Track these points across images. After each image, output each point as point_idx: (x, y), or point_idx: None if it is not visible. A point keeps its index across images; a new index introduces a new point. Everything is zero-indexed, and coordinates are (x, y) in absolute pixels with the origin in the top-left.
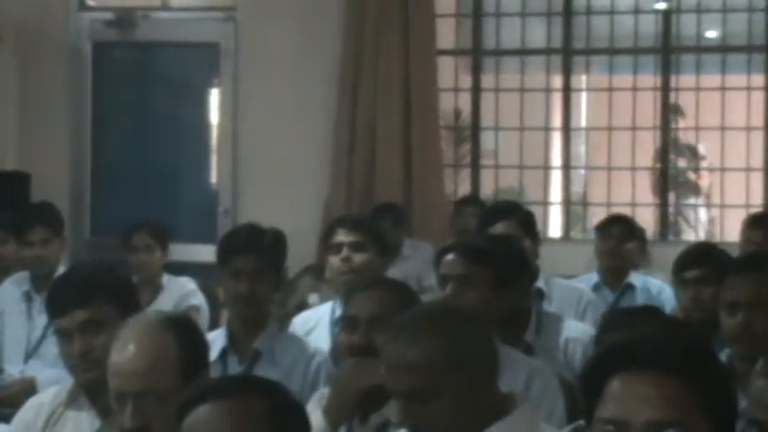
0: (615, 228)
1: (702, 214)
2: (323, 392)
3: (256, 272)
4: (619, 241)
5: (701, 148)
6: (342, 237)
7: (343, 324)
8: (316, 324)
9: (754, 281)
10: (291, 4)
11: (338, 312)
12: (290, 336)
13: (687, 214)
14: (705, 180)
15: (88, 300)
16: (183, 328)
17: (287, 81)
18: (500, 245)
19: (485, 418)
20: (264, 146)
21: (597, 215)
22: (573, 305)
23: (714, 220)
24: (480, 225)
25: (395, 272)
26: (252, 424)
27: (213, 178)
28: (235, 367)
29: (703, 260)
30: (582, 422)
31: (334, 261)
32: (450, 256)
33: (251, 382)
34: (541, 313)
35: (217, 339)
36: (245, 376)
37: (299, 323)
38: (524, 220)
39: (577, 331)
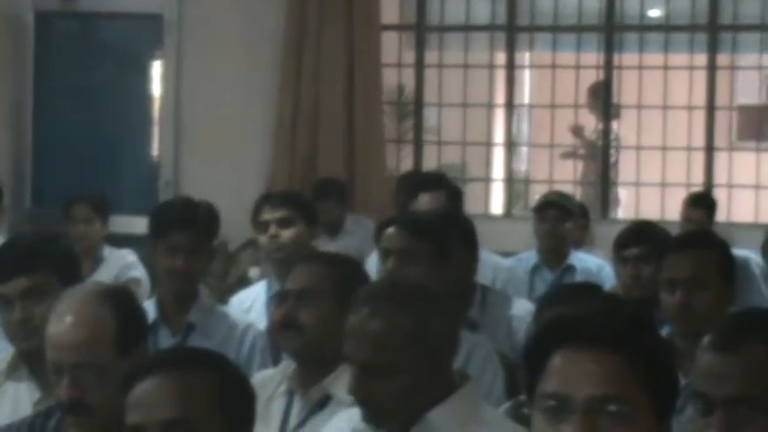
0: (552, 209)
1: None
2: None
3: (192, 248)
4: (556, 222)
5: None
6: (268, 214)
7: (276, 300)
8: (252, 303)
9: (693, 259)
10: None
11: (274, 290)
12: (223, 309)
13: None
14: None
15: (32, 268)
16: (121, 301)
17: (230, 53)
18: (443, 219)
19: (435, 398)
20: (207, 118)
21: (539, 192)
22: (488, 280)
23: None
24: (407, 196)
25: (337, 247)
26: (200, 396)
27: (155, 150)
28: (167, 339)
29: (643, 238)
30: (522, 397)
31: (263, 240)
32: (391, 230)
33: (198, 354)
34: (487, 290)
35: (146, 311)
36: (191, 349)
37: (236, 303)
38: (452, 193)
39: (524, 309)
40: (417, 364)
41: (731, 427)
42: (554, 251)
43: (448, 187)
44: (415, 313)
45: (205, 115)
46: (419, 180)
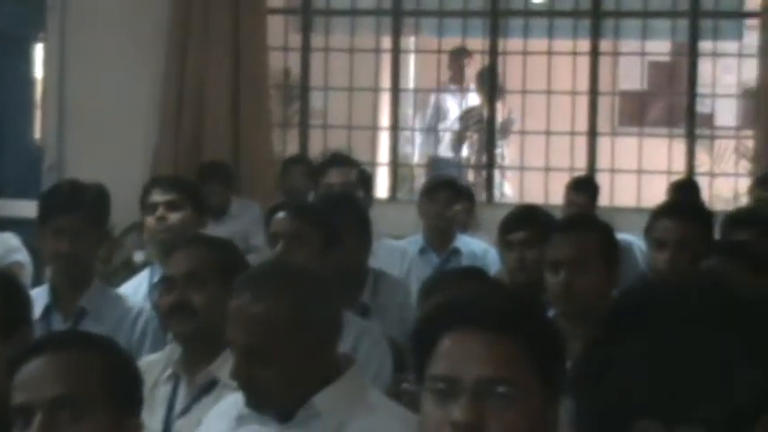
0: (441, 191)
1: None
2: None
3: (78, 230)
4: (445, 204)
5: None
6: (157, 196)
7: (162, 285)
8: (135, 291)
9: (575, 241)
10: None
11: (157, 276)
12: (116, 293)
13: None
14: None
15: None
16: (3, 284)
17: (115, 36)
18: (334, 202)
19: (318, 381)
20: (91, 101)
21: (424, 177)
22: (396, 265)
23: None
24: (318, 170)
25: (222, 230)
26: (86, 377)
27: (38, 133)
28: (59, 325)
29: (527, 222)
30: (406, 384)
31: (150, 221)
32: (280, 215)
33: (85, 336)
34: (380, 275)
35: (39, 297)
36: (78, 331)
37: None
38: (362, 172)
39: None
40: (298, 349)
41: None
42: (441, 234)
43: (358, 166)
44: (296, 298)
45: (89, 99)
46: (329, 157)
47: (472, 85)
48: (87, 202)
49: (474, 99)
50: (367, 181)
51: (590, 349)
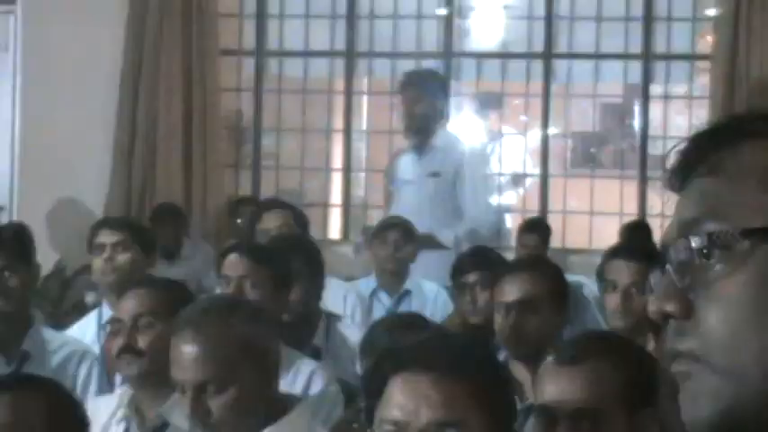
0: (392, 233)
1: None
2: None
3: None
4: (397, 245)
5: None
6: (104, 237)
7: (110, 327)
8: (83, 332)
9: (525, 282)
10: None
11: (105, 317)
12: (59, 335)
13: None
14: None
15: None
16: None
17: (67, 76)
18: (286, 244)
19: (265, 417)
20: (43, 143)
21: (377, 218)
22: (340, 305)
23: None
24: (251, 217)
25: (174, 272)
26: (29, 419)
27: None
28: (2, 368)
29: (480, 264)
30: (356, 425)
31: (98, 262)
32: (232, 256)
33: (28, 379)
34: (332, 317)
35: None
36: (21, 374)
37: (71, 333)
38: (297, 214)
39: None
40: (243, 378)
41: None
42: (393, 276)
43: (293, 209)
44: (234, 328)
45: (41, 139)
46: (262, 202)
47: None
48: (6, 243)
49: None
50: (304, 223)
51: None
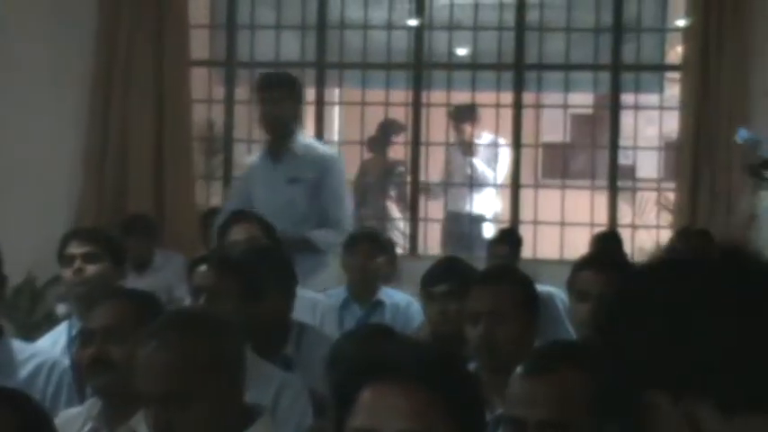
0: (363, 243)
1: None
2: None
3: None
4: (367, 256)
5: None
6: (74, 248)
7: (81, 338)
8: (53, 344)
9: (495, 292)
10: (44, 9)
11: (75, 329)
12: (29, 346)
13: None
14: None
15: None
16: None
17: (38, 87)
18: (257, 256)
19: (232, 425)
20: (15, 153)
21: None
22: (308, 317)
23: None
24: (221, 229)
25: (145, 283)
26: None
27: None
28: None
29: (450, 275)
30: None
31: (67, 273)
32: (202, 267)
33: None
34: (304, 328)
35: None
36: None
37: (41, 345)
38: (265, 225)
39: None
40: (210, 389)
41: None
42: (364, 286)
43: (261, 220)
44: (201, 339)
45: (12, 151)
46: (231, 214)
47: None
48: None
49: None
50: (272, 234)
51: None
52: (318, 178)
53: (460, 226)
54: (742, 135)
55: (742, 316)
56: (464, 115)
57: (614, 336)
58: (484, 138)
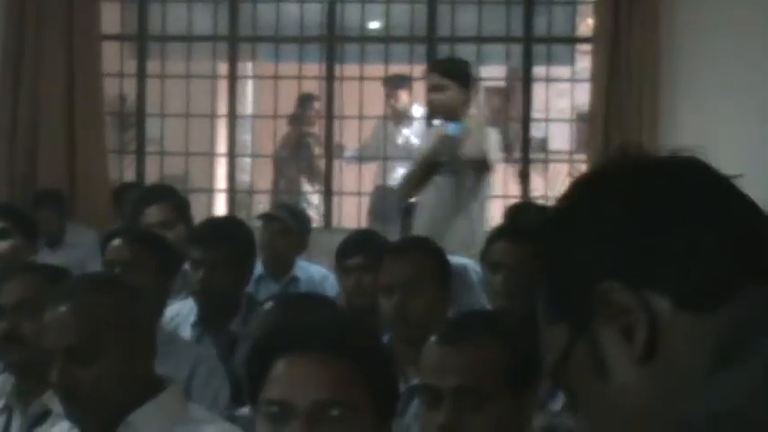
0: (273, 221)
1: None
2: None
3: None
4: (277, 234)
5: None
6: None
7: None
8: None
9: (408, 263)
10: None
11: None
12: None
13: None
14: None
15: None
16: None
17: None
18: (217, 228)
19: (138, 393)
20: None
21: (263, 203)
22: None
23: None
24: (134, 209)
25: (58, 258)
26: None
27: None
28: None
29: (364, 247)
30: (245, 409)
31: None
32: (116, 242)
33: None
34: (252, 301)
35: None
36: None
37: None
38: (179, 204)
39: None
40: (114, 349)
41: (456, 415)
42: (278, 261)
43: (175, 198)
44: (109, 299)
45: None
46: (144, 193)
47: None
48: None
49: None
50: (186, 212)
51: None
52: None
53: (388, 200)
54: (452, 129)
55: (700, 208)
56: (397, 84)
57: (566, 227)
58: (415, 110)
